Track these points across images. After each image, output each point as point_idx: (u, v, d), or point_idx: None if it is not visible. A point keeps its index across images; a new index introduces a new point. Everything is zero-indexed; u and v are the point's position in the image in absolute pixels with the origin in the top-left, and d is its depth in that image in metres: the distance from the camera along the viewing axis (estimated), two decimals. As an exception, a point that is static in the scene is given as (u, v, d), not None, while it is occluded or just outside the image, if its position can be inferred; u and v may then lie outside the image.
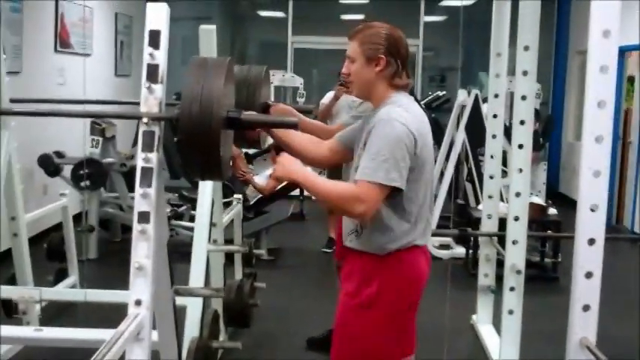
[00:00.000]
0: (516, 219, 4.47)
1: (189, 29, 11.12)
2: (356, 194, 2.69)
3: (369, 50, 2.81)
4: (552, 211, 7.06)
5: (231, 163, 7.58)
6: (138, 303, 2.19)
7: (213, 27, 4.14)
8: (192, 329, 3.91)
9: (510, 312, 4.50)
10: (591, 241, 2.53)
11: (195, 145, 2.29)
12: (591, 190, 2.52)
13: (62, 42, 8.37)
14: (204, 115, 2.27)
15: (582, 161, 2.53)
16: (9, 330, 3.81)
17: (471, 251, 7.04)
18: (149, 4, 2.34)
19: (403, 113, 2.75)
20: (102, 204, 7.58)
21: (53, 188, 7.15)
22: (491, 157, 5.30)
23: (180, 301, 3.25)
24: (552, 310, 5.53)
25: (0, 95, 4.20)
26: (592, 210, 2.53)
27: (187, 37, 11.59)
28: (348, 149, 3.00)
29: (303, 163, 2.98)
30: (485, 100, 7.33)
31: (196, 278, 4.17)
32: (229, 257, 5.11)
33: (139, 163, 2.25)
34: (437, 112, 10.03)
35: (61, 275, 5.70)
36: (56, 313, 5.21)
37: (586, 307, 2.56)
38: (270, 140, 6.78)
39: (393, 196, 2.74)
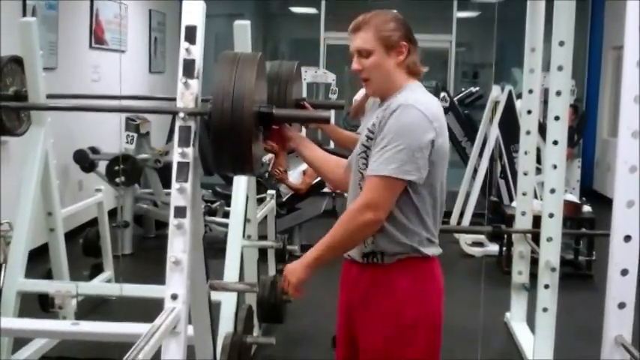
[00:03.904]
0: (551, 216, 4.43)
1: (222, 26, 11.18)
2: (361, 204, 2.45)
3: (389, 37, 2.53)
4: (586, 208, 7.00)
5: (267, 159, 7.53)
6: (174, 297, 2.21)
7: (248, 22, 4.15)
8: (226, 324, 3.93)
9: (545, 310, 4.47)
10: (627, 238, 2.52)
11: (227, 140, 2.30)
12: (627, 185, 2.51)
13: (97, 39, 8.44)
14: (235, 110, 2.27)
15: (618, 156, 2.51)
16: (46, 324, 3.86)
17: (504, 249, 7.00)
18: (185, 1, 2.36)
19: (421, 98, 2.51)
20: (136, 200, 7.63)
21: (88, 184, 7.23)
22: (525, 153, 5.28)
23: (214, 296, 3.26)
24: (587, 308, 5.49)
25: (37, 91, 4.25)
26: (628, 206, 2.51)
27: (220, 35, 11.64)
28: None
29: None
30: (518, 97, 7.29)
31: (231, 273, 4.20)
32: (263, 253, 5.13)
33: (176, 158, 2.27)
34: (470, 109, 9.98)
35: (97, 270, 5.76)
36: (91, 309, 5.26)
37: (622, 305, 2.55)
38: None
39: (405, 193, 2.48)
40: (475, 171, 7.92)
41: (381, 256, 2.56)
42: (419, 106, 2.45)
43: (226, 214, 6.47)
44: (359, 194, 2.54)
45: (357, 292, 2.66)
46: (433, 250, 2.60)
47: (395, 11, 2.65)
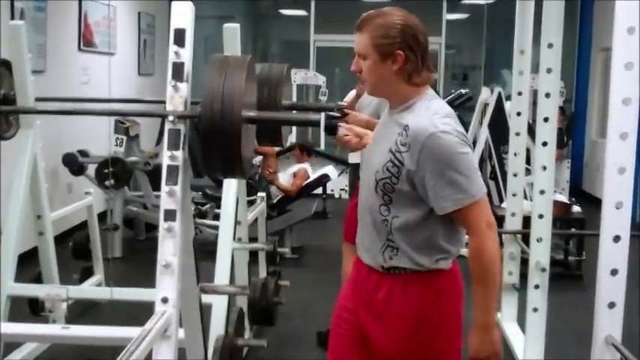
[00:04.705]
0: (541, 216, 4.45)
1: (212, 28, 11.19)
2: (480, 235, 2.39)
3: (384, 45, 2.42)
4: (576, 208, 7.02)
5: (258, 161, 7.52)
6: (165, 300, 2.21)
7: (237, 25, 4.15)
8: (217, 327, 3.93)
9: (535, 310, 4.48)
10: (616, 238, 2.53)
11: (217, 143, 2.30)
12: (616, 187, 2.52)
13: (86, 41, 8.42)
14: (225, 113, 2.27)
15: (607, 158, 2.52)
16: (37, 328, 3.85)
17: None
18: (174, 3, 2.35)
19: (442, 119, 2.41)
20: (126, 203, 7.62)
21: (77, 187, 7.21)
22: (515, 154, 5.29)
23: (205, 299, 3.26)
24: (577, 308, 5.51)
25: (26, 94, 4.24)
26: (617, 207, 2.52)
27: (210, 37, 11.64)
28: None
29: None
30: (508, 98, 7.31)
31: (221, 276, 4.19)
32: (253, 255, 5.13)
33: (165, 161, 2.27)
34: (459, 110, 10.00)
35: (87, 274, 5.74)
36: (81, 313, 5.25)
37: (611, 305, 2.56)
38: (292, 138, 6.80)
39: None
40: (465, 172, 7.93)
41: (403, 269, 2.51)
42: (448, 130, 2.38)
43: (217, 217, 6.45)
44: (378, 217, 2.51)
45: (377, 299, 2.57)
46: (451, 261, 2.56)
47: (401, 12, 2.50)
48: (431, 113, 2.44)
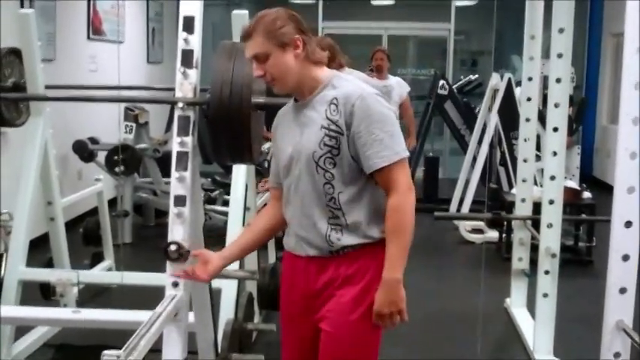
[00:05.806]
0: (551, 202, 4.44)
1: (219, 15, 11.16)
2: (404, 190, 2.45)
3: (280, 36, 2.48)
4: (586, 194, 7.00)
5: (266, 148, 7.51)
6: (175, 285, 2.22)
7: (246, 12, 4.14)
8: (227, 311, 3.93)
9: (545, 295, 4.48)
10: (628, 224, 2.53)
11: (225, 130, 2.30)
12: (628, 172, 2.52)
13: (95, 29, 8.42)
14: (234, 99, 2.27)
15: (619, 143, 2.52)
16: (48, 312, 3.87)
17: (504, 235, 7.01)
18: (183, -10, 2.35)
19: (368, 87, 2.54)
20: (135, 189, 7.64)
21: (87, 174, 7.22)
22: (525, 140, 5.27)
23: (215, 283, 3.27)
24: (587, 294, 5.50)
25: (36, 82, 4.25)
26: (629, 192, 2.51)
27: (217, 24, 11.62)
28: None
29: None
30: (518, 84, 7.28)
31: (231, 261, 4.19)
32: (263, 241, 5.13)
33: (175, 148, 2.27)
34: (469, 97, 9.97)
35: (97, 259, 5.77)
36: (91, 297, 5.27)
37: (622, 290, 2.56)
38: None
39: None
40: (474, 159, 7.92)
41: (352, 247, 2.53)
42: (375, 92, 2.51)
43: (226, 203, 6.46)
44: (322, 199, 2.51)
45: (321, 280, 2.57)
46: None
47: (278, 8, 2.56)
48: (355, 82, 2.54)
